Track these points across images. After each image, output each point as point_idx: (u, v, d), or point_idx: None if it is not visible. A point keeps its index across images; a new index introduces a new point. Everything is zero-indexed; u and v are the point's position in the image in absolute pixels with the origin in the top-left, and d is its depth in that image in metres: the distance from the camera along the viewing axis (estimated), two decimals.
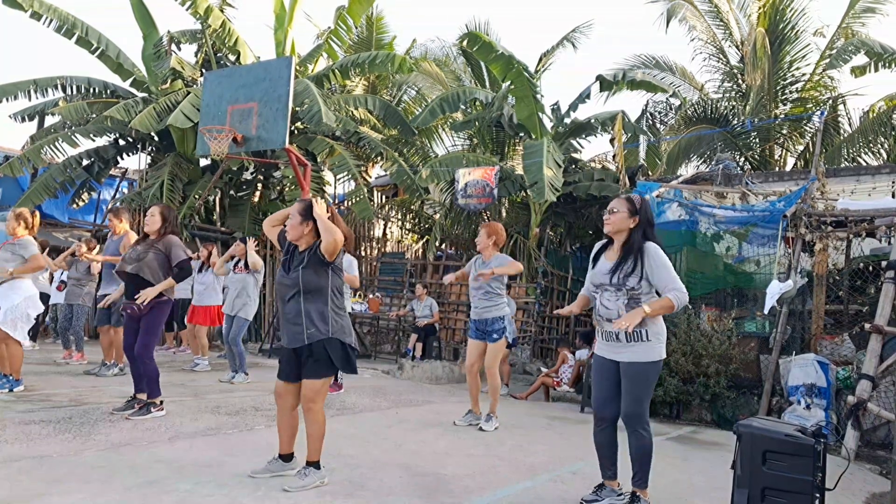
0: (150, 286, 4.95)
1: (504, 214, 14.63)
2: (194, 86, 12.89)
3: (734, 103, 14.89)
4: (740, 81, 15.22)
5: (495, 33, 13.98)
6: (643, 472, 3.44)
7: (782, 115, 14.23)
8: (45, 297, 8.78)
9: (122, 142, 13.65)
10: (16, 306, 5.59)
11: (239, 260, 7.47)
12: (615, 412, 3.51)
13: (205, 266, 8.61)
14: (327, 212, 3.58)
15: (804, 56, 14.30)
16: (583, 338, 8.77)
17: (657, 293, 3.44)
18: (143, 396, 5.04)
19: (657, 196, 8.34)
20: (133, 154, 13.91)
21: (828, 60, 13.54)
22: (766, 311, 7.18)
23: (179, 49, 13.62)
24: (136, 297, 4.94)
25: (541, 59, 14.98)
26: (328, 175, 14.64)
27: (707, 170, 11.94)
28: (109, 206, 15.05)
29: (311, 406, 3.46)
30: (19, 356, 5.69)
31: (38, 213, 6.14)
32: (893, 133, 12.73)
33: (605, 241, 3.66)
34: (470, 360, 5.73)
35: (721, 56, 15.52)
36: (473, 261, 5.76)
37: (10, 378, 5.65)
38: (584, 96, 12.81)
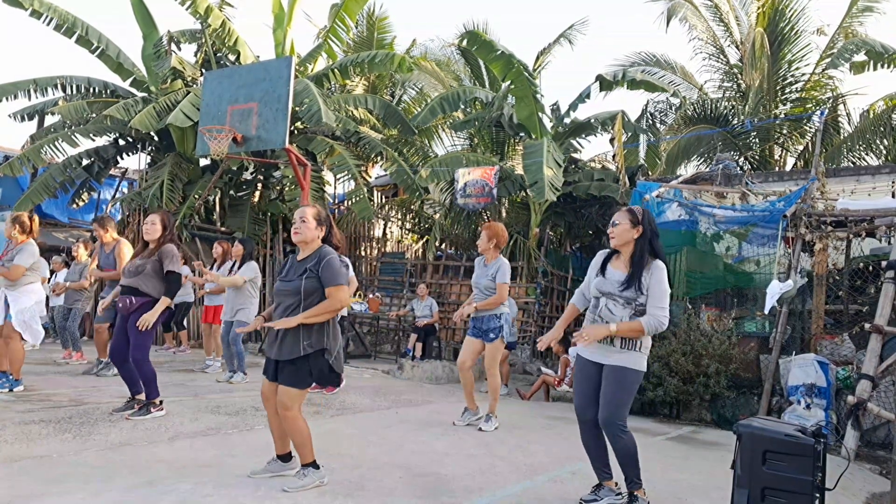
0: (147, 297, 4.96)
1: (504, 214, 14.63)
2: (194, 85, 12.89)
3: (734, 103, 14.89)
4: (740, 81, 15.22)
5: (494, 34, 13.98)
6: (633, 474, 3.43)
7: (782, 115, 14.22)
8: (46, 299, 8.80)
9: (121, 141, 13.65)
10: (26, 309, 5.60)
11: (234, 263, 7.45)
12: (596, 415, 3.50)
13: (216, 264, 8.57)
14: (324, 218, 3.56)
15: (804, 56, 14.30)
16: (562, 342, 8.82)
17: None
18: (142, 397, 5.04)
19: (657, 196, 8.33)
20: (133, 154, 13.92)
21: (828, 60, 13.53)
22: (766, 311, 7.18)
23: (179, 49, 13.62)
24: (130, 298, 4.96)
25: (538, 58, 14.98)
26: (328, 175, 14.64)
27: (707, 170, 11.94)
28: (109, 207, 15.07)
29: (287, 413, 3.38)
30: (20, 355, 5.70)
31: (36, 216, 6.04)
32: (893, 133, 12.72)
33: (610, 250, 3.64)
34: (463, 356, 5.73)
35: (721, 56, 15.51)
36: (477, 261, 5.79)
37: (10, 377, 5.66)
38: (584, 96, 12.81)
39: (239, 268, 7.29)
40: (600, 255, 3.68)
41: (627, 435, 3.41)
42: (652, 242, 3.49)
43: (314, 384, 3.54)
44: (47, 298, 9.51)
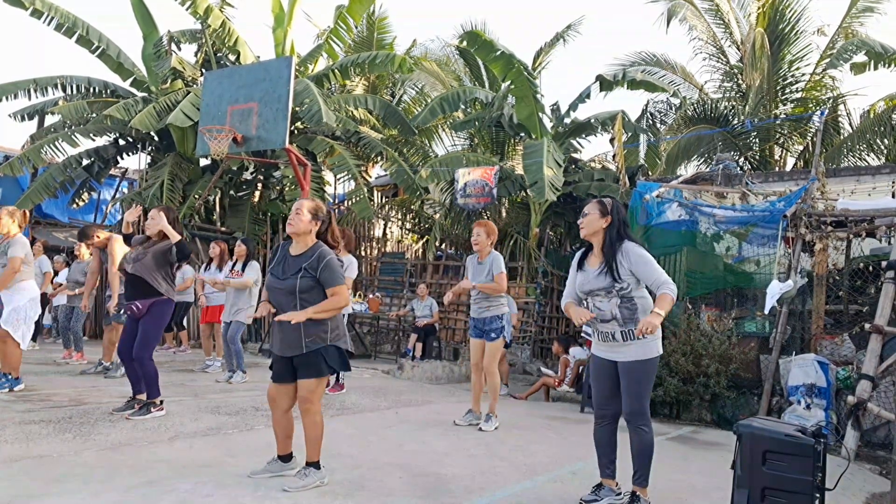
0: (148, 287, 4.97)
1: (504, 214, 14.62)
2: (194, 85, 12.89)
3: (734, 103, 14.88)
4: (740, 81, 15.22)
5: (493, 34, 13.94)
6: (644, 470, 3.45)
7: (782, 116, 14.22)
8: (44, 298, 8.80)
9: (122, 141, 13.66)
10: (20, 308, 5.59)
11: (235, 263, 7.44)
12: (616, 409, 3.55)
13: (212, 264, 8.56)
14: (330, 217, 3.56)
15: (804, 56, 14.29)
16: (562, 342, 8.85)
17: (647, 287, 3.51)
18: (143, 397, 5.05)
19: (657, 196, 8.33)
20: (133, 154, 13.93)
21: (828, 60, 13.53)
22: (766, 311, 7.17)
23: (179, 49, 13.63)
24: (136, 304, 4.97)
25: (537, 58, 14.97)
26: (328, 175, 14.64)
27: (707, 170, 11.93)
28: (109, 207, 15.08)
29: (308, 406, 3.42)
30: (16, 355, 5.68)
31: (26, 212, 6.08)
32: (894, 133, 12.71)
33: (584, 248, 3.69)
34: (474, 358, 5.75)
35: (721, 56, 15.50)
36: (469, 260, 5.78)
37: (10, 377, 5.65)
38: (584, 96, 12.81)
39: (242, 268, 7.29)
40: (577, 256, 3.72)
41: (650, 430, 3.46)
42: (620, 231, 3.53)
43: (339, 375, 3.61)
44: (50, 298, 9.55)
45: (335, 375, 6.78)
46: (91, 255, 8.15)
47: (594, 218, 3.55)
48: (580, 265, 3.65)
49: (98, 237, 7.02)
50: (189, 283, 9.66)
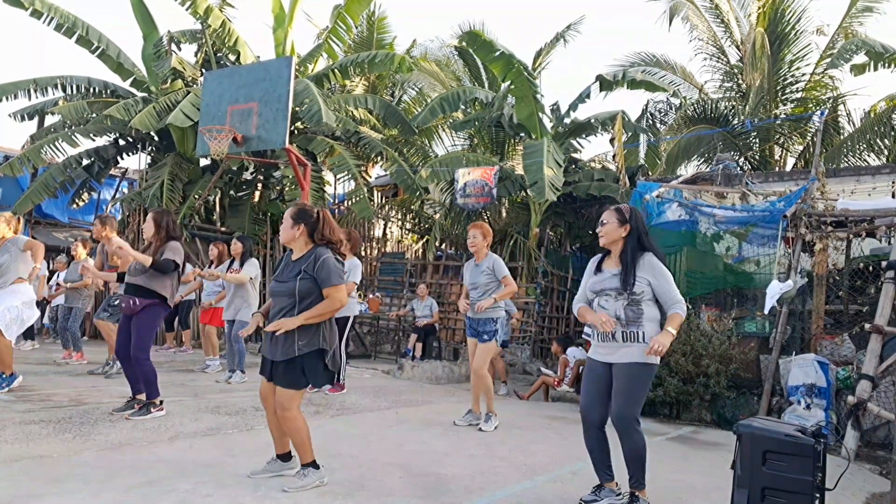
0: (152, 294, 4.98)
1: (504, 214, 14.63)
2: (194, 85, 12.89)
3: (734, 103, 14.89)
4: (740, 81, 15.22)
5: (493, 34, 13.95)
6: (639, 474, 3.43)
7: (782, 116, 14.22)
8: (43, 301, 8.81)
9: (122, 141, 13.65)
10: (12, 307, 5.59)
11: (232, 262, 7.43)
12: (601, 416, 3.51)
13: (212, 265, 8.57)
14: (319, 215, 3.55)
15: (804, 56, 14.30)
16: (560, 343, 8.84)
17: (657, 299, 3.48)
18: (143, 397, 5.05)
19: (657, 196, 8.34)
20: (133, 154, 13.92)
21: (828, 60, 13.53)
22: (766, 311, 7.17)
23: (179, 49, 13.63)
24: (133, 299, 4.97)
25: (537, 58, 14.98)
26: (328, 175, 14.65)
27: (707, 170, 11.93)
28: (109, 207, 15.08)
29: (285, 414, 3.37)
30: (8, 350, 5.66)
31: (21, 219, 6.17)
32: (893, 133, 12.72)
33: (602, 254, 3.69)
34: (472, 358, 5.74)
35: (721, 56, 15.51)
36: (466, 265, 5.76)
37: (3, 375, 5.64)
38: (584, 96, 12.81)
39: (240, 266, 7.28)
40: (593, 261, 3.72)
41: (640, 434, 3.41)
42: (641, 240, 3.52)
43: (311, 385, 3.55)
44: (49, 299, 9.55)
45: (336, 375, 6.77)
46: (89, 255, 8.16)
47: (613, 227, 3.54)
48: (598, 268, 3.64)
49: (107, 232, 6.96)
50: (190, 278, 9.59)
